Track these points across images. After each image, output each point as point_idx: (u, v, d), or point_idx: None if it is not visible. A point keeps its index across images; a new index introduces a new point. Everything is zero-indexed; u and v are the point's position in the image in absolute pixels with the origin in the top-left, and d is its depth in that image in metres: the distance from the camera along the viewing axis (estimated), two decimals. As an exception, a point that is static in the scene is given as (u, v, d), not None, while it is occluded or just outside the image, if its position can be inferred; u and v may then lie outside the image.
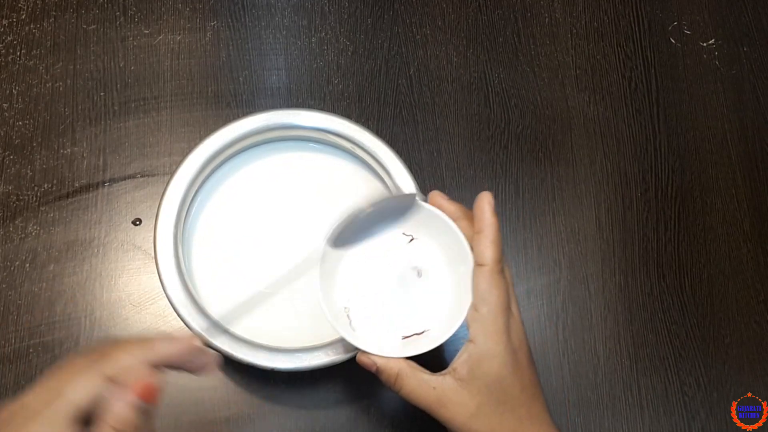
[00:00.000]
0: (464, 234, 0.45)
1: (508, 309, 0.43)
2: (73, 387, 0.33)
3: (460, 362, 0.43)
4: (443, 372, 0.43)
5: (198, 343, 0.37)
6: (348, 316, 0.47)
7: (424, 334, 0.46)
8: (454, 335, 0.44)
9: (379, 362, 0.44)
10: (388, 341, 0.46)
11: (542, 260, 0.61)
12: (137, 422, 0.33)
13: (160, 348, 0.35)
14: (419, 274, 0.48)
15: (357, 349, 0.45)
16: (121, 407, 0.33)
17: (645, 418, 0.57)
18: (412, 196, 0.47)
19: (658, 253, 0.61)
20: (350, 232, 0.46)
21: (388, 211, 0.47)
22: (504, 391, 0.42)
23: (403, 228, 0.48)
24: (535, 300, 0.59)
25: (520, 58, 0.67)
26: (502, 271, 0.43)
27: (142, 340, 0.35)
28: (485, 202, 0.44)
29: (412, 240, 0.48)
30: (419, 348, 0.44)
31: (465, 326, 0.44)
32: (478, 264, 0.43)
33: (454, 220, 0.46)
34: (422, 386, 0.43)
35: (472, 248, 0.45)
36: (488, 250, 0.43)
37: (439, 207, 0.46)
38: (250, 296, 0.52)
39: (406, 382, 0.43)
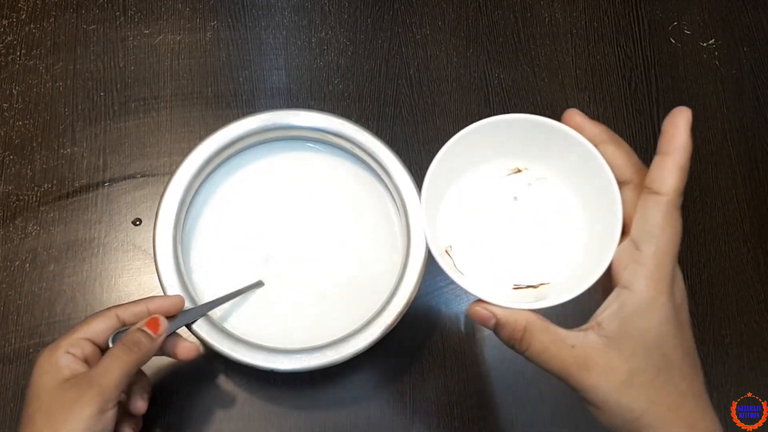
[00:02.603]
0: (610, 163, 0.36)
1: (677, 256, 0.34)
2: (95, 321, 0.44)
3: (607, 314, 0.34)
4: (583, 327, 0.34)
5: (184, 304, 0.48)
6: (451, 256, 0.39)
7: (541, 288, 0.38)
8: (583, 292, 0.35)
9: (501, 314, 0.35)
10: (497, 291, 0.38)
11: (542, 260, 0.60)
12: (143, 343, 0.43)
13: (158, 300, 0.47)
14: (538, 214, 0.40)
15: (465, 295, 0.37)
16: (132, 330, 0.44)
17: (645, 418, 0.57)
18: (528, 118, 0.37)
19: (658, 253, 0.61)
20: (460, 158, 0.39)
21: (505, 136, 0.39)
22: (664, 355, 0.33)
23: (525, 157, 0.39)
24: (535, 300, 0.59)
25: (520, 58, 0.67)
26: (680, 208, 0.34)
27: (146, 297, 0.47)
28: (681, 118, 0.34)
29: (520, 172, 0.40)
30: (554, 299, 0.35)
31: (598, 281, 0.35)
32: (653, 191, 0.34)
33: (596, 144, 0.37)
34: (557, 344, 0.34)
35: (619, 183, 0.36)
36: (672, 176, 0.33)
37: (578, 128, 0.37)
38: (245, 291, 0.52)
39: (537, 338, 0.34)
